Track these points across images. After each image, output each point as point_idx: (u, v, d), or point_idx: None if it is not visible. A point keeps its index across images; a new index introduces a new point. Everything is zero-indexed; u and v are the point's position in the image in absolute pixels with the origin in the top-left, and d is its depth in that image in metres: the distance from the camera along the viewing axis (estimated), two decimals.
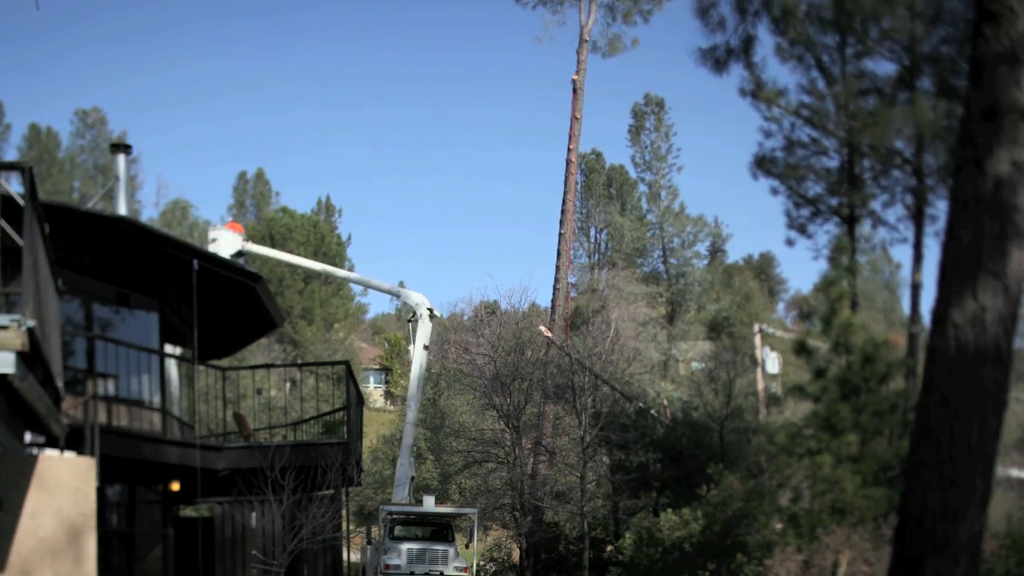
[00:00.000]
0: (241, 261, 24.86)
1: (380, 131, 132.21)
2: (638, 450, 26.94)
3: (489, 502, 30.50)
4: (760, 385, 33.70)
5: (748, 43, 17.65)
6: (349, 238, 79.99)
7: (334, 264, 70.04)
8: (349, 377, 19.34)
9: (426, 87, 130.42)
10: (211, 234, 27.13)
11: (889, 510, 15.14)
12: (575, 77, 32.73)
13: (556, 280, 31.87)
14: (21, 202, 8.79)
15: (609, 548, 28.25)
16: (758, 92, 18.93)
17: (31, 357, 8.39)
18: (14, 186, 9.71)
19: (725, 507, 20.23)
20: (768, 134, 19.63)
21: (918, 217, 18.83)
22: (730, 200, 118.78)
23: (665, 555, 21.74)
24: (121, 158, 17.43)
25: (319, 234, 69.60)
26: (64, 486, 10.15)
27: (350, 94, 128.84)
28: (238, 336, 21.81)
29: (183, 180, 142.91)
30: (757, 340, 36.72)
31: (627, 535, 25.64)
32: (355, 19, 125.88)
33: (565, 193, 31.81)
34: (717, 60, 17.23)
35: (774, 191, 19.98)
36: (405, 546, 24.81)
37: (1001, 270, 6.81)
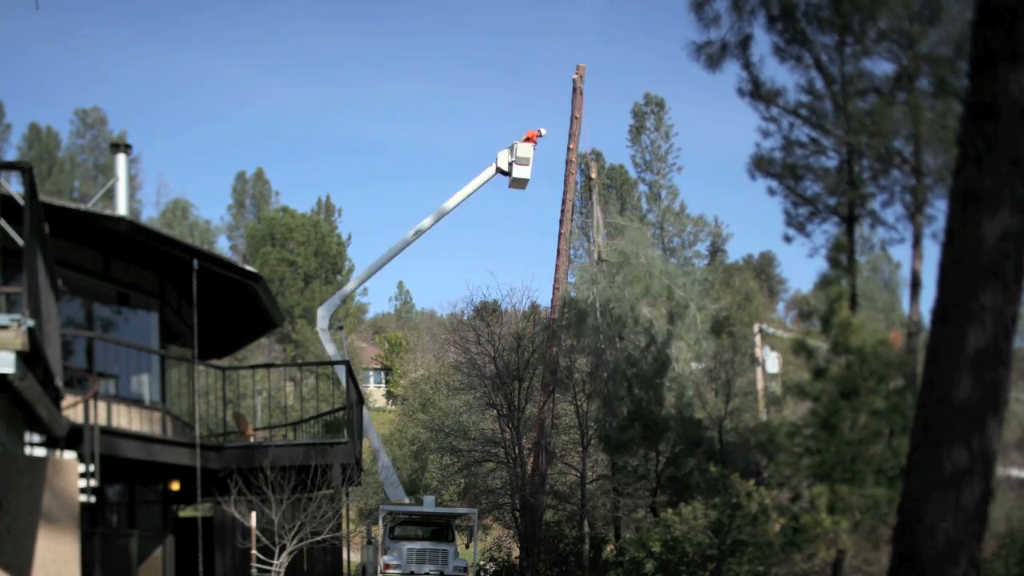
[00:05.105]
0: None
1: (380, 130, 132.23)
2: (637, 446, 26.91)
3: (489, 502, 30.51)
4: (760, 385, 33.69)
5: (745, 42, 17.62)
6: (349, 238, 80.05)
7: (334, 263, 70.17)
8: (349, 377, 19.35)
9: (426, 85, 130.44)
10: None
11: (889, 510, 15.14)
12: (575, 77, 32.71)
13: (556, 280, 31.82)
14: (21, 202, 8.80)
15: (609, 548, 28.24)
16: (756, 92, 18.89)
17: (31, 357, 8.40)
18: (14, 186, 9.72)
19: (725, 507, 20.23)
20: (766, 134, 19.56)
21: (917, 217, 18.81)
22: (730, 200, 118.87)
23: (666, 554, 21.74)
24: (121, 158, 17.42)
25: (319, 234, 69.61)
26: (50, 486, 10.16)
27: (350, 93, 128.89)
28: (238, 336, 21.81)
29: (183, 180, 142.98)
30: (757, 340, 36.72)
31: (627, 535, 25.65)
32: (354, 18, 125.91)
33: (565, 193, 31.75)
34: (711, 56, 17.18)
35: (772, 191, 19.93)
36: (405, 546, 24.81)
37: (1001, 270, 6.81)
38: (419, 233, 27.74)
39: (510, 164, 27.72)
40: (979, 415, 6.81)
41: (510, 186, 28.60)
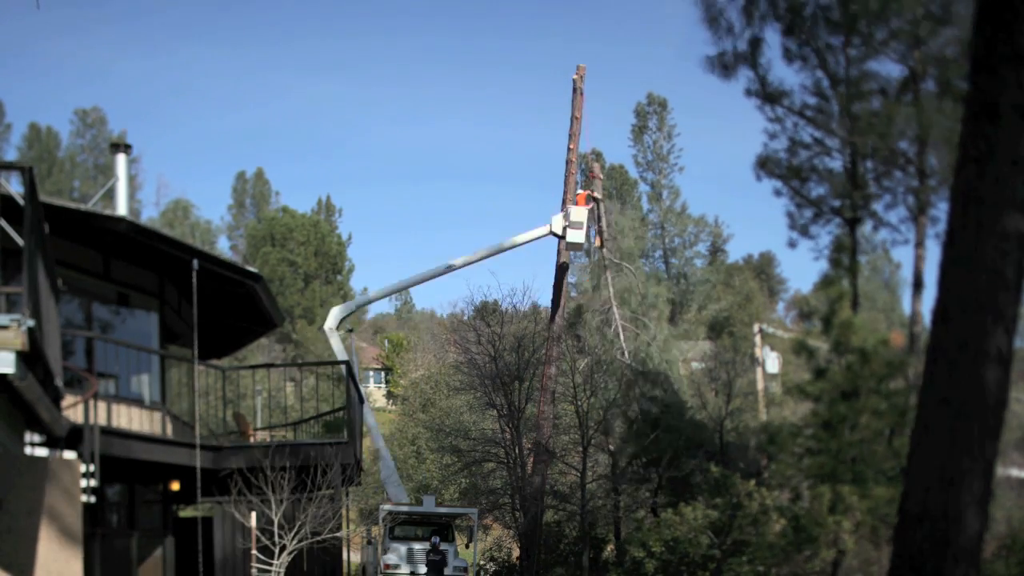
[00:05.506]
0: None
1: (381, 131, 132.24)
2: (637, 441, 26.87)
3: (489, 502, 30.49)
4: (760, 385, 33.70)
5: (755, 45, 17.67)
6: (349, 238, 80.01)
7: (334, 263, 70.15)
8: (349, 377, 19.34)
9: (427, 86, 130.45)
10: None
11: (890, 510, 15.12)
12: (575, 77, 32.69)
13: (556, 280, 31.79)
14: (21, 202, 8.79)
15: (609, 548, 28.22)
16: (763, 93, 18.88)
17: (31, 357, 8.39)
18: (14, 186, 9.72)
19: (726, 507, 20.22)
20: (772, 135, 19.55)
21: (920, 218, 18.80)
22: (730, 200, 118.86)
23: (666, 554, 21.72)
24: (121, 158, 17.40)
25: (319, 234, 69.60)
26: (55, 486, 10.15)
27: (350, 93, 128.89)
28: (238, 336, 21.80)
29: (183, 180, 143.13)
30: (757, 340, 36.75)
31: (627, 534, 25.62)
32: (355, 18, 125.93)
33: (565, 193, 31.74)
34: (725, 66, 17.29)
35: (777, 192, 19.91)
36: (405, 546, 24.82)
37: (1002, 270, 6.80)
38: (451, 268, 28.41)
39: (564, 228, 28.19)
40: (979, 415, 6.81)
41: (565, 248, 29.17)
